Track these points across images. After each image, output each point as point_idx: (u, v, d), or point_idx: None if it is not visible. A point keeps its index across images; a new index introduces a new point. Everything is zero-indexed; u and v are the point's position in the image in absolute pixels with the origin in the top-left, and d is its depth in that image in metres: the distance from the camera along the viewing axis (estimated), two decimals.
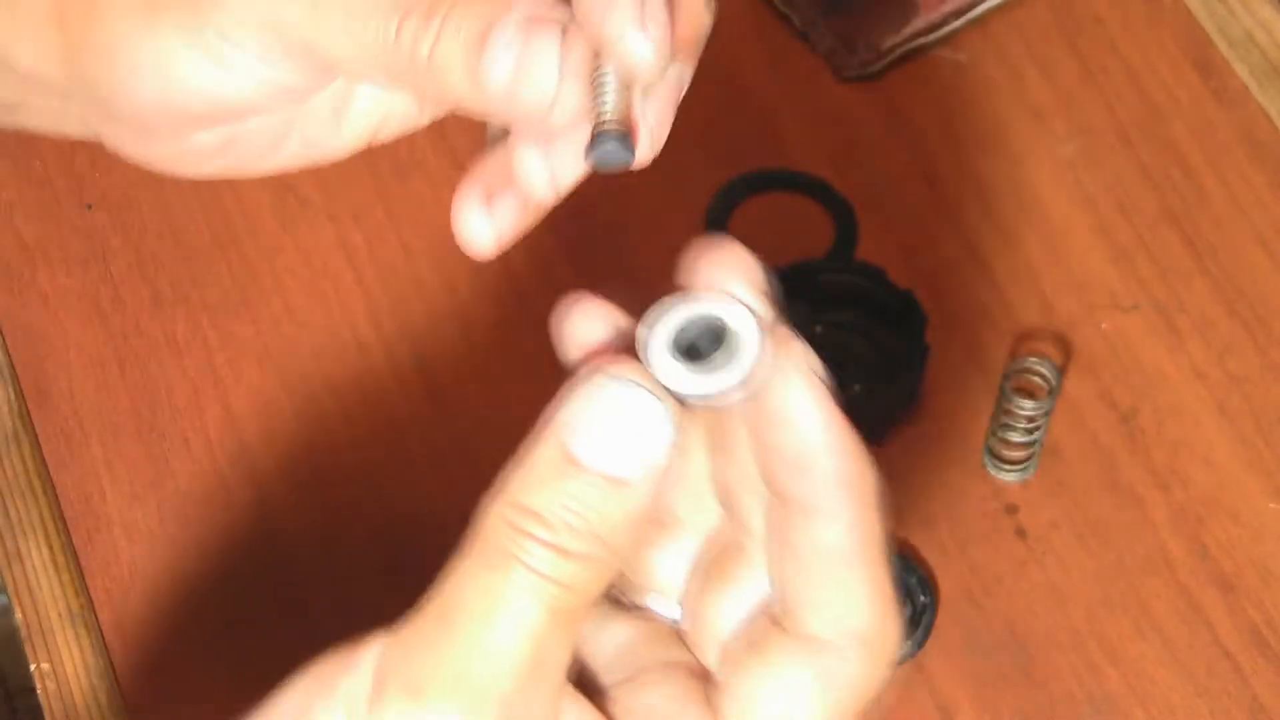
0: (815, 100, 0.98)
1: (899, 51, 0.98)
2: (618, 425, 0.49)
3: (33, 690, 0.82)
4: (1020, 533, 0.86)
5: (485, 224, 0.54)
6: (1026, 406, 0.84)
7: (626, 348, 0.51)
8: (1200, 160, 0.96)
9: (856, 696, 0.51)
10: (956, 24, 0.99)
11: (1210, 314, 0.91)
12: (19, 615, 0.84)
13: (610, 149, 0.51)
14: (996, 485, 0.87)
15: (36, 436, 0.88)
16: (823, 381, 0.50)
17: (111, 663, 0.82)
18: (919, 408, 0.89)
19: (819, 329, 0.90)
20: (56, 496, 0.86)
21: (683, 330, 0.50)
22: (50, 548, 0.85)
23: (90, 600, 0.84)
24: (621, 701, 0.53)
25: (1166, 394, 0.89)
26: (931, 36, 0.99)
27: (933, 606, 0.84)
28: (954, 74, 0.98)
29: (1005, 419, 0.85)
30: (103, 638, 0.83)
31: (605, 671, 0.54)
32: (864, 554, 0.50)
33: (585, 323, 0.52)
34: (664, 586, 0.56)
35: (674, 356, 0.50)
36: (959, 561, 0.85)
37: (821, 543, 0.50)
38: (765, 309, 0.51)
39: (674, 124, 0.92)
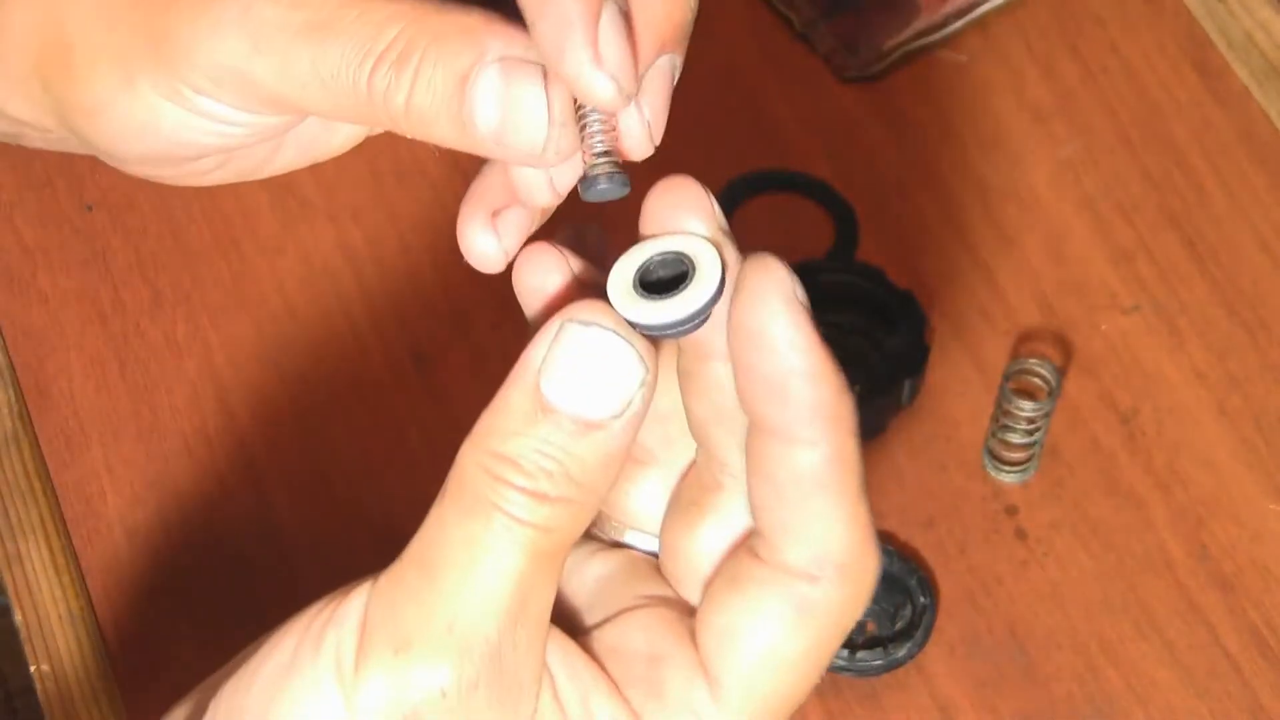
0: (816, 101, 0.98)
1: (899, 52, 0.98)
2: (588, 368, 0.49)
3: (33, 691, 0.82)
4: (1020, 534, 0.86)
5: (492, 242, 0.54)
6: (1026, 408, 0.84)
7: (589, 292, 0.51)
8: (1200, 161, 0.96)
9: (836, 626, 0.51)
10: (957, 25, 0.99)
11: (1210, 315, 0.91)
12: (19, 616, 0.84)
13: (603, 189, 0.51)
14: (996, 486, 0.87)
15: (36, 437, 0.88)
16: (802, 304, 0.50)
17: (111, 663, 0.82)
18: (919, 408, 0.89)
19: (819, 329, 0.90)
20: (56, 497, 0.86)
21: (647, 269, 0.50)
22: (50, 549, 0.85)
23: (90, 601, 0.84)
24: (604, 640, 0.53)
25: (1167, 395, 0.89)
26: (932, 37, 0.99)
27: (933, 607, 0.84)
28: (954, 75, 0.98)
29: (1005, 420, 0.85)
30: (103, 639, 0.83)
31: (586, 610, 0.54)
32: (841, 482, 0.50)
33: (543, 272, 0.53)
34: (642, 522, 0.56)
35: (639, 293, 0.50)
36: (959, 562, 0.85)
37: (799, 470, 0.50)
38: (722, 238, 0.51)
39: (674, 124, 0.92)
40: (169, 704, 0.81)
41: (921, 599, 0.83)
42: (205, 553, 0.85)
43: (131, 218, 0.94)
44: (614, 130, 0.51)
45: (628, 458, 0.55)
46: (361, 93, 0.51)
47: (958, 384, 0.89)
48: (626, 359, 0.49)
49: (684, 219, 0.51)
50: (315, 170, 0.61)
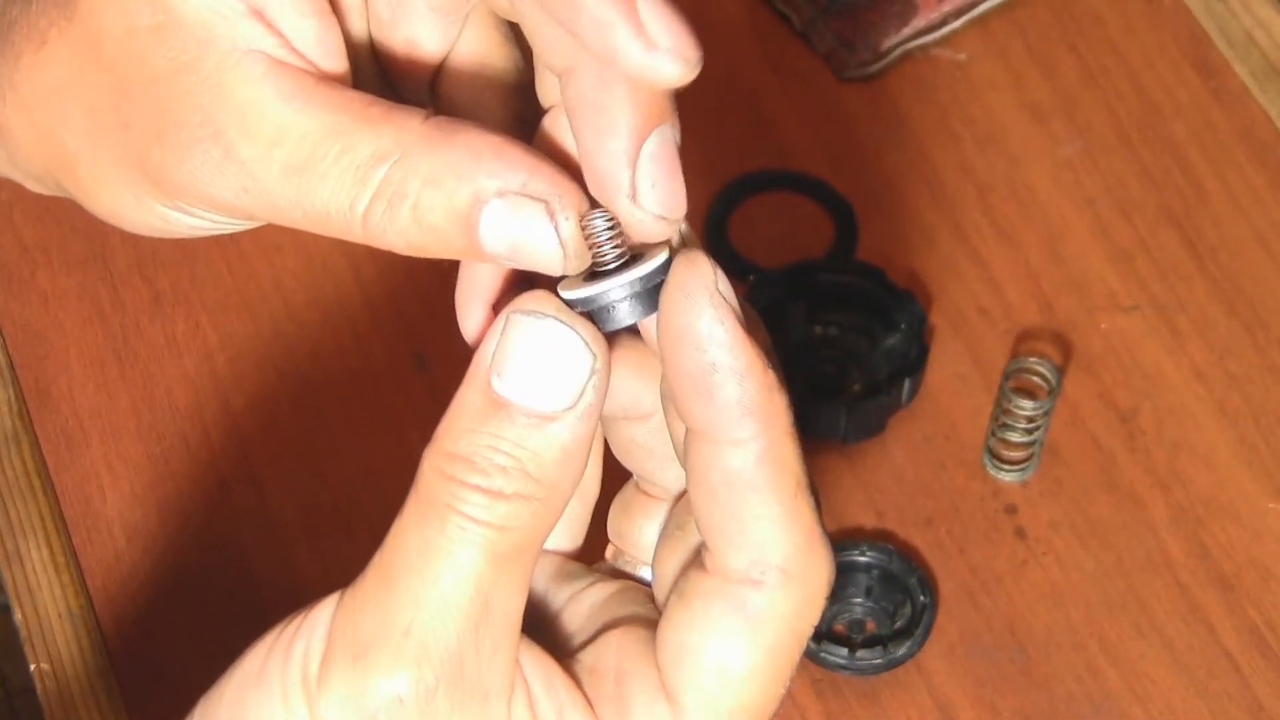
0: (815, 100, 0.98)
1: (898, 51, 0.98)
2: (537, 358, 0.48)
3: (32, 690, 0.82)
4: (1020, 533, 0.86)
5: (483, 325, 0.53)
6: (1026, 406, 0.84)
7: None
8: (1200, 160, 0.96)
9: (790, 633, 0.50)
10: (956, 24, 0.99)
11: (1210, 314, 0.91)
12: (18, 615, 0.84)
13: (625, 313, 0.50)
14: (996, 485, 0.87)
15: (36, 436, 0.88)
16: (726, 300, 0.48)
17: (111, 663, 0.82)
18: (918, 407, 0.89)
19: (819, 329, 0.90)
20: (56, 497, 0.86)
21: (598, 261, 0.49)
22: (50, 548, 0.85)
23: (90, 600, 0.84)
24: (584, 660, 0.52)
25: (1166, 394, 0.89)
26: (931, 36, 0.99)
27: (932, 606, 0.84)
28: (954, 74, 0.98)
29: (1005, 419, 0.85)
30: (102, 638, 0.83)
31: (578, 634, 0.54)
32: (774, 481, 0.49)
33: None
34: (650, 554, 0.55)
35: (586, 281, 0.49)
36: (958, 561, 0.85)
37: (729, 471, 0.49)
38: (680, 237, 0.50)
39: None
40: (168, 702, 0.81)
41: (921, 598, 0.83)
42: (205, 551, 0.85)
43: None
44: (624, 239, 0.50)
45: (636, 487, 0.55)
46: (355, 230, 0.50)
47: (957, 383, 0.89)
48: (573, 346, 0.48)
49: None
50: None
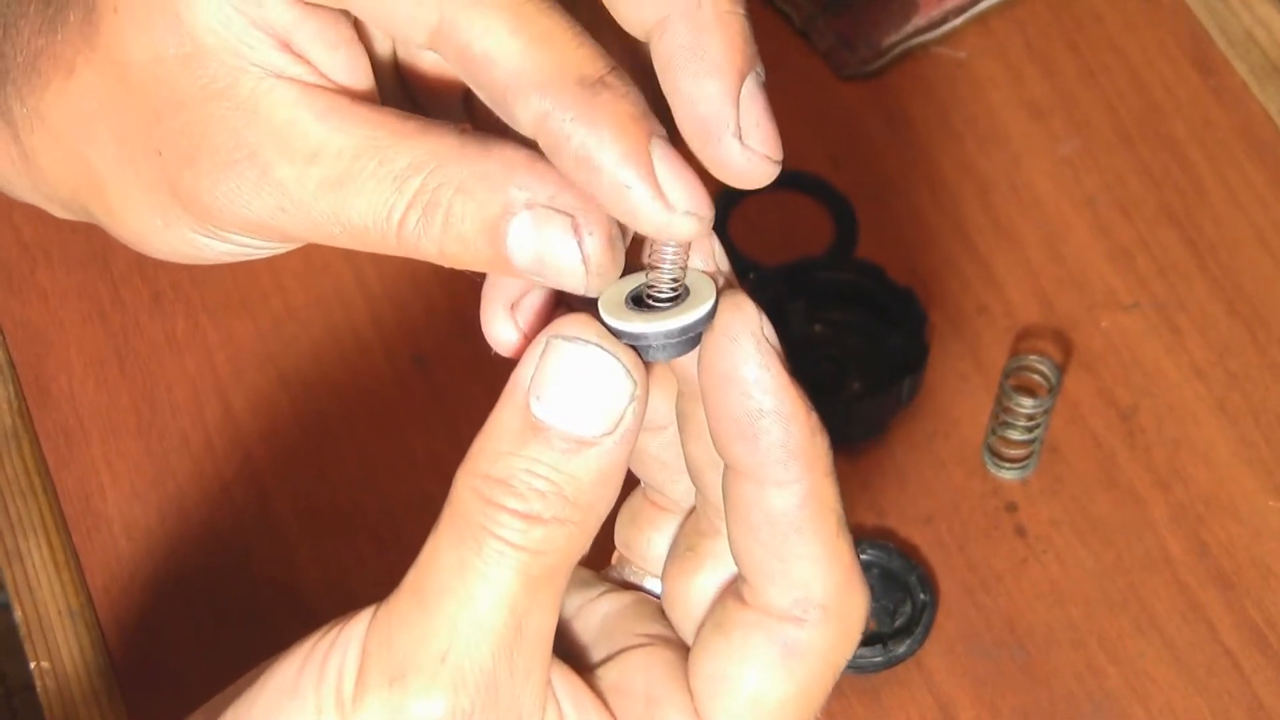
0: (815, 98, 0.98)
1: (898, 49, 0.98)
2: (577, 384, 0.48)
3: (32, 688, 0.82)
4: (1020, 531, 0.86)
5: (512, 333, 0.53)
6: (1026, 405, 0.84)
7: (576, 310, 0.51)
8: (1200, 158, 0.96)
9: (826, 668, 0.51)
10: (956, 22, 0.99)
11: (1210, 312, 0.91)
12: (18, 613, 0.84)
13: (667, 351, 0.50)
14: (996, 483, 0.87)
15: (36, 435, 0.88)
16: (772, 346, 0.49)
17: (111, 661, 0.82)
18: (919, 406, 0.89)
19: (819, 327, 0.90)
20: (56, 495, 0.86)
21: (641, 291, 0.49)
22: (50, 546, 0.85)
23: (90, 598, 0.84)
24: (607, 678, 0.52)
25: (1166, 392, 0.89)
26: (931, 34, 0.99)
27: (932, 604, 0.84)
28: (953, 72, 0.98)
29: (1005, 417, 0.85)
30: (102, 636, 0.83)
31: (592, 646, 0.54)
32: (818, 522, 0.49)
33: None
34: (659, 566, 0.55)
35: (629, 308, 0.49)
36: (959, 559, 0.85)
37: (774, 512, 0.49)
38: (720, 274, 0.50)
39: (672, 125, 0.92)
40: (168, 700, 0.81)
41: (921, 596, 0.83)
42: (204, 550, 0.85)
43: None
44: (684, 249, 0.50)
45: (645, 498, 0.55)
46: (390, 241, 0.50)
47: (957, 381, 0.89)
48: (614, 373, 0.48)
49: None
50: None
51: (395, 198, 0.49)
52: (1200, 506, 0.86)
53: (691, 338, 0.49)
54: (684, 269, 0.49)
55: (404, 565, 0.84)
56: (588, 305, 0.50)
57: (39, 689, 0.82)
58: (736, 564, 0.51)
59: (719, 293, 0.49)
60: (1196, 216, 0.94)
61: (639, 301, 0.49)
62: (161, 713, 0.81)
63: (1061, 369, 0.88)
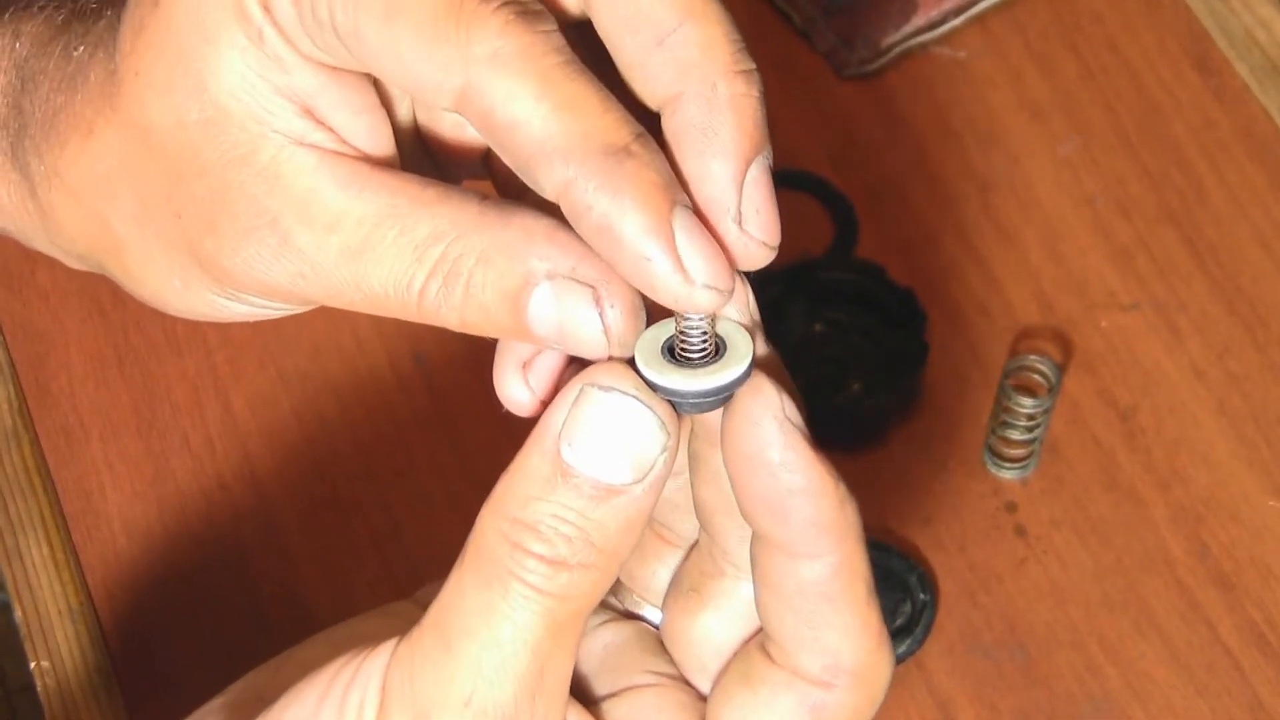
0: (815, 98, 0.98)
1: (898, 49, 0.98)
2: (609, 432, 0.48)
3: (32, 688, 0.82)
4: (1020, 531, 0.86)
5: (525, 393, 0.53)
6: (1026, 404, 0.84)
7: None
8: (1200, 159, 0.96)
9: None
10: (956, 22, 0.99)
11: (1210, 312, 0.91)
12: (18, 613, 0.84)
13: (698, 408, 0.50)
14: (996, 483, 0.87)
15: (36, 434, 0.88)
16: (795, 425, 0.49)
17: (111, 660, 0.82)
18: (919, 406, 0.89)
19: (819, 327, 0.90)
20: (56, 494, 0.86)
21: (676, 341, 0.49)
22: (50, 545, 0.85)
23: (90, 598, 0.84)
24: (615, 715, 0.53)
25: (1166, 392, 0.89)
26: (931, 34, 0.99)
27: (932, 605, 0.84)
28: (954, 72, 0.98)
29: (1005, 417, 0.85)
30: (102, 635, 0.83)
31: (594, 677, 0.54)
32: (849, 591, 0.50)
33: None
34: (660, 598, 0.56)
35: (666, 360, 0.49)
36: (959, 560, 0.85)
37: (805, 582, 0.50)
38: (754, 327, 0.50)
39: None
40: (168, 699, 0.81)
41: (921, 596, 0.84)
42: (204, 549, 0.85)
43: None
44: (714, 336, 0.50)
45: (650, 530, 0.55)
46: (411, 310, 0.50)
47: (957, 381, 0.89)
48: (648, 424, 0.48)
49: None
50: None
51: (415, 267, 0.49)
52: (1200, 507, 0.86)
53: (725, 396, 0.49)
54: (714, 323, 0.49)
55: (403, 565, 0.84)
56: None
57: (39, 688, 0.82)
58: (764, 625, 0.51)
59: (754, 351, 0.49)
60: (1196, 217, 0.94)
61: (673, 352, 0.49)
62: (161, 712, 0.81)
63: (1061, 369, 0.88)
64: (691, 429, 0.52)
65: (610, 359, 0.49)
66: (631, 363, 0.49)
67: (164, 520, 0.85)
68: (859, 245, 0.93)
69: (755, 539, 0.50)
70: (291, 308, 0.55)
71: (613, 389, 0.48)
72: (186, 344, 0.90)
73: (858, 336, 0.89)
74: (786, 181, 0.95)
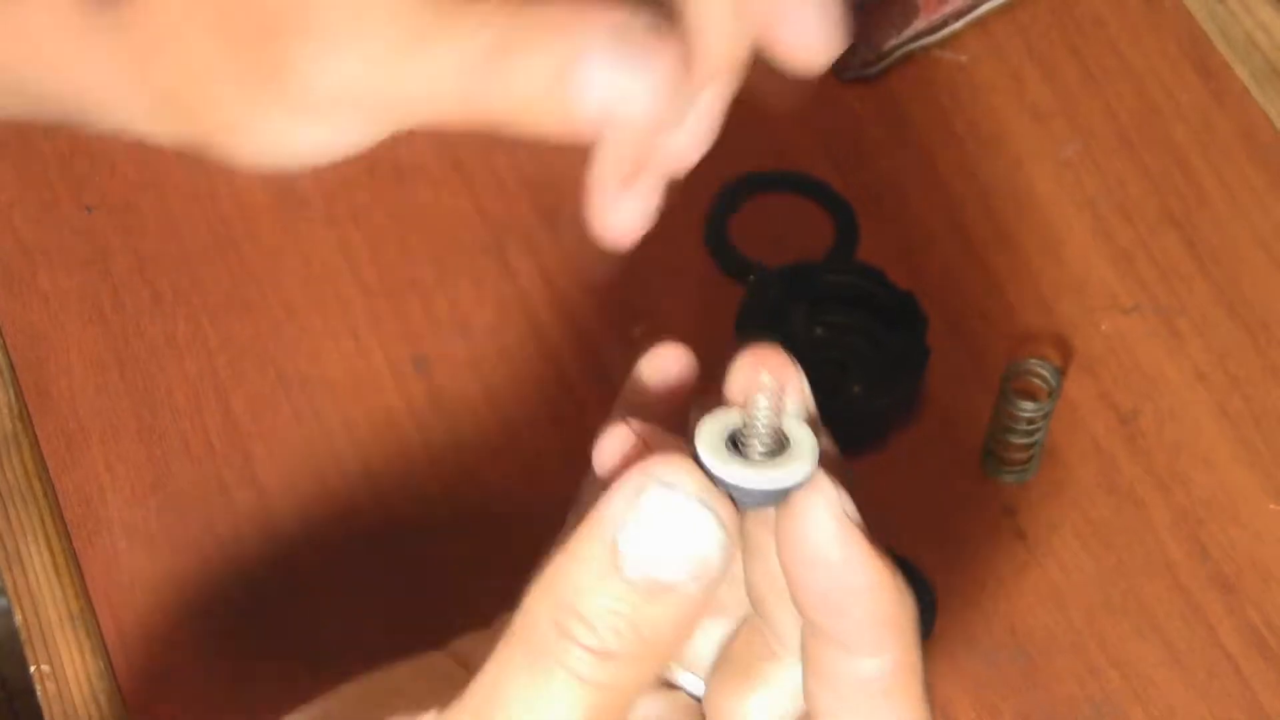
0: (815, 101, 0.97)
1: (899, 53, 0.98)
2: (669, 531, 0.47)
3: (33, 692, 0.82)
4: (1020, 535, 0.86)
5: (633, 206, 0.52)
6: (1026, 408, 0.84)
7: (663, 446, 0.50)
8: (1201, 162, 0.96)
9: None
10: (957, 25, 0.99)
11: (1211, 316, 0.91)
12: (19, 617, 0.84)
13: (759, 504, 0.49)
14: (996, 487, 0.87)
15: (36, 438, 0.88)
16: (854, 522, 0.49)
17: (111, 665, 0.82)
18: (919, 409, 0.89)
19: (819, 330, 0.90)
20: (56, 498, 0.86)
21: (738, 434, 0.49)
22: (50, 550, 0.85)
23: (90, 602, 0.84)
24: None
25: (1167, 395, 0.89)
26: (932, 38, 0.99)
27: (932, 608, 0.83)
28: (954, 75, 0.98)
29: (1005, 421, 0.85)
30: (103, 640, 0.83)
31: None
32: (907, 689, 0.50)
33: (616, 448, 0.52)
34: (699, 665, 0.55)
35: (730, 456, 0.48)
36: (959, 563, 0.85)
37: (863, 677, 0.49)
38: (810, 415, 0.50)
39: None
40: (169, 704, 0.81)
41: (921, 599, 0.83)
42: (205, 553, 0.85)
43: (132, 218, 0.94)
44: (779, 395, 0.50)
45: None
46: (468, 95, 0.49)
47: (958, 385, 0.89)
48: (710, 528, 0.47)
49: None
50: (314, 172, 0.60)
51: (470, 41, 0.48)
52: (1201, 510, 0.86)
53: (784, 498, 0.49)
54: (780, 417, 0.49)
55: (404, 568, 0.84)
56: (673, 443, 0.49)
57: (39, 693, 0.82)
58: (813, 715, 0.51)
59: (818, 448, 0.49)
60: (1197, 220, 0.94)
61: (735, 443, 0.49)
62: (162, 716, 0.81)
63: (1062, 372, 0.88)
64: (788, 583, 0.51)
65: (674, 453, 0.48)
66: (692, 452, 0.48)
67: (164, 524, 0.85)
68: (859, 248, 0.93)
69: (808, 629, 0.50)
70: (361, 131, 0.53)
71: (676, 489, 0.47)
72: (186, 347, 0.90)
73: (858, 339, 0.89)
74: (786, 184, 0.95)
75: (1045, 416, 0.85)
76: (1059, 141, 0.96)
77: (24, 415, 0.88)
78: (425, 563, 0.84)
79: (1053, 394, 0.85)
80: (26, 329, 0.90)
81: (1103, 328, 0.91)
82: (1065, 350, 0.90)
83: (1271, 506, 0.86)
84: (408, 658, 0.59)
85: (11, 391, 0.89)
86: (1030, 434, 0.85)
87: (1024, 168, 0.95)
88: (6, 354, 0.90)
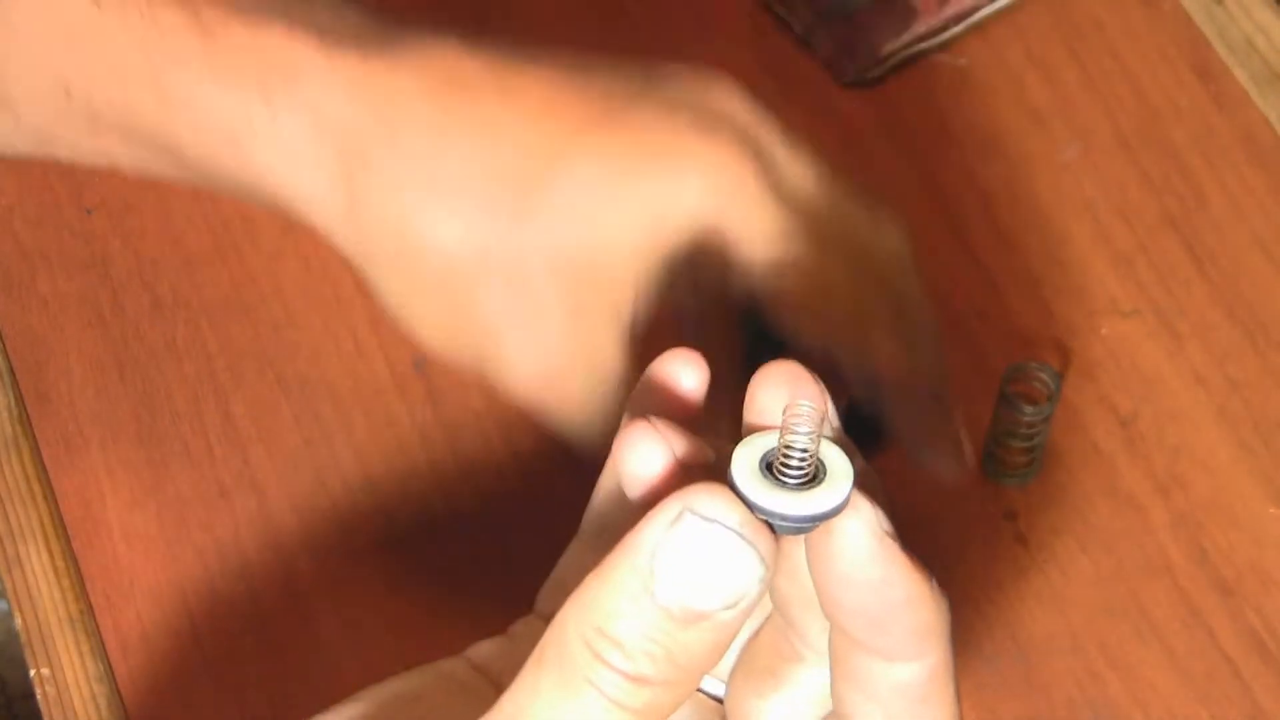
0: (815, 105, 0.98)
1: (899, 57, 0.98)
2: (707, 561, 0.47)
3: (32, 696, 0.82)
4: (1020, 539, 0.86)
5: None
6: (1026, 412, 0.84)
7: (693, 471, 0.50)
8: (1200, 165, 0.96)
9: None
10: (956, 29, 0.99)
11: (1210, 319, 0.91)
12: (19, 620, 0.84)
13: (797, 530, 0.49)
14: (996, 491, 0.87)
15: (36, 441, 0.88)
16: (894, 539, 0.49)
17: (111, 668, 0.82)
18: None
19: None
20: (56, 501, 0.86)
21: (772, 460, 0.48)
22: (50, 553, 0.85)
23: (90, 605, 0.84)
24: None
25: (1166, 399, 0.89)
26: (931, 42, 0.99)
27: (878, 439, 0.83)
28: (954, 79, 0.98)
29: (1005, 424, 0.85)
30: (102, 643, 0.83)
31: None
32: (944, 692, 0.50)
33: (645, 458, 0.51)
34: (719, 666, 0.55)
35: (766, 481, 0.48)
36: (958, 568, 0.85)
37: (900, 684, 0.49)
38: (838, 431, 0.50)
39: None
40: (169, 707, 0.81)
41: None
42: (204, 556, 0.85)
43: (131, 222, 0.93)
44: (820, 420, 0.49)
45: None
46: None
47: (957, 388, 0.89)
48: (747, 559, 0.47)
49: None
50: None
51: None
52: (1200, 513, 0.86)
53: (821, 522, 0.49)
54: (819, 443, 0.48)
55: (404, 571, 0.84)
56: (705, 470, 0.50)
57: (39, 696, 0.82)
58: (846, 719, 0.51)
59: (855, 472, 0.49)
60: (1197, 223, 0.94)
61: (770, 468, 0.48)
62: (162, 718, 0.81)
63: (1061, 376, 0.88)
64: (822, 601, 0.51)
65: (712, 482, 0.48)
66: (728, 479, 0.48)
67: (164, 527, 0.85)
68: None
69: (843, 641, 0.50)
70: None
71: (714, 521, 0.47)
72: (186, 350, 0.90)
73: None
74: None
75: (1045, 420, 0.85)
76: (1058, 145, 0.96)
77: (24, 418, 0.88)
78: (425, 564, 0.84)
79: (1052, 397, 0.85)
80: (26, 332, 0.90)
81: (1102, 331, 0.91)
82: (1065, 353, 0.90)
83: (1271, 510, 0.86)
84: (423, 664, 0.59)
85: (11, 395, 0.89)
86: (1030, 437, 0.85)
87: (1023, 171, 0.95)
88: (6, 357, 0.90)
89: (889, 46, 0.98)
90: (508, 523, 0.85)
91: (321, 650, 0.82)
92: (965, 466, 0.73)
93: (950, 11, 0.99)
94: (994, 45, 0.99)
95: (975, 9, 0.99)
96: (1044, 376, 0.85)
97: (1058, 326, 0.91)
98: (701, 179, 0.69)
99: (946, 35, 0.99)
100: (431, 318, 0.70)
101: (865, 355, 0.71)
